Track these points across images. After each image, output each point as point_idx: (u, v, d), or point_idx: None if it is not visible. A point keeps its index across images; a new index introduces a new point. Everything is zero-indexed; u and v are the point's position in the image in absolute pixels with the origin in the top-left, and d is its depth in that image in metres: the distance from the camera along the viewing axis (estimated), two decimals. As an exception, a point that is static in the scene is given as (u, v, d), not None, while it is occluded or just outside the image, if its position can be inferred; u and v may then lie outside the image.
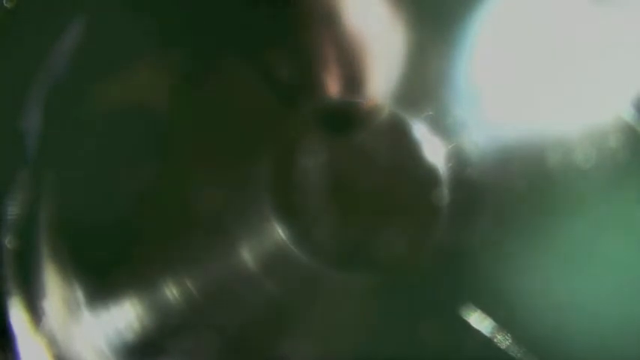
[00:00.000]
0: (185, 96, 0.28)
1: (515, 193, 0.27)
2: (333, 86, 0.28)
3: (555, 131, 0.26)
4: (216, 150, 0.28)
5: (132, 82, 0.28)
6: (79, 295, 0.27)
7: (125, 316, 0.27)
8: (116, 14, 0.27)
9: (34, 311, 0.27)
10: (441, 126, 0.27)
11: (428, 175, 0.27)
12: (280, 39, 0.28)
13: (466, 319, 0.26)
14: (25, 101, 0.27)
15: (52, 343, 0.27)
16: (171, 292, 0.27)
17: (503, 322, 0.26)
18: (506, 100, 0.27)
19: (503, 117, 0.27)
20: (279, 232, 0.27)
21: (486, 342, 0.26)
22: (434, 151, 0.27)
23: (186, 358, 0.27)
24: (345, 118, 0.28)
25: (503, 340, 0.26)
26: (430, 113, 0.27)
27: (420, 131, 0.27)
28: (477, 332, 0.26)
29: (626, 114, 0.26)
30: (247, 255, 0.27)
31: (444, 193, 0.27)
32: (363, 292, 0.27)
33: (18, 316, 0.26)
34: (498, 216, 0.27)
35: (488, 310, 0.26)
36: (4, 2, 0.26)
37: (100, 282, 0.27)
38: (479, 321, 0.26)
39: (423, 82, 0.27)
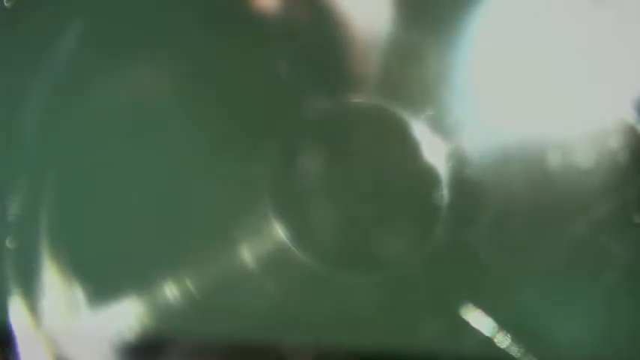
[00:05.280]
0: (185, 96, 0.28)
1: (515, 193, 0.27)
2: (333, 86, 0.28)
3: (555, 131, 0.26)
4: (216, 150, 0.28)
5: (131, 82, 0.28)
6: (79, 295, 0.27)
7: (125, 316, 0.27)
8: (115, 14, 0.27)
9: (34, 311, 0.27)
10: (441, 126, 0.27)
11: (428, 175, 0.27)
12: (280, 39, 0.28)
13: (466, 318, 0.26)
14: (25, 101, 0.27)
15: (52, 343, 0.27)
16: (171, 292, 0.27)
17: (503, 322, 0.26)
18: (506, 100, 0.27)
19: (503, 117, 0.27)
20: (279, 232, 0.27)
21: (486, 341, 0.26)
22: (434, 151, 0.27)
23: (187, 358, 0.27)
24: (345, 117, 0.28)
25: (503, 340, 0.26)
26: (430, 113, 0.27)
27: (420, 131, 0.27)
28: (477, 332, 0.26)
29: (627, 114, 0.26)
30: (247, 255, 0.27)
31: (444, 193, 0.27)
32: (363, 292, 0.27)
33: (18, 316, 0.26)
34: (498, 216, 0.27)
35: (489, 310, 0.26)
36: (5, 2, 0.26)
37: (100, 282, 0.27)
38: (479, 321, 0.26)
39: (423, 82, 0.27)
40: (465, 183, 0.27)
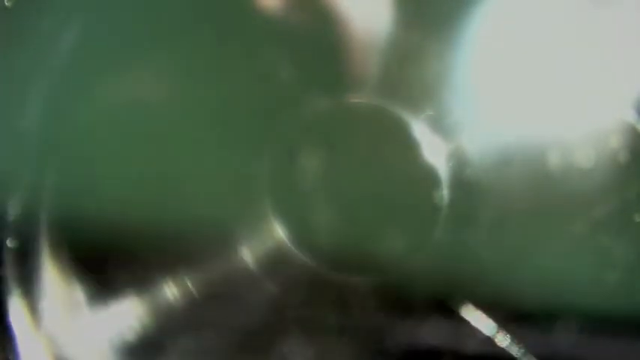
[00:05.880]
0: (185, 95, 0.28)
1: (515, 193, 0.27)
2: (333, 86, 0.28)
3: (555, 131, 0.26)
4: (215, 149, 0.28)
5: (131, 81, 0.28)
6: (79, 295, 0.27)
7: (125, 316, 0.27)
8: (115, 12, 0.27)
9: (34, 311, 0.27)
10: (441, 126, 0.27)
11: (428, 175, 0.27)
12: (280, 38, 0.28)
13: (466, 318, 0.26)
14: (25, 101, 0.27)
15: (52, 343, 0.27)
16: (171, 292, 0.27)
17: (503, 322, 0.26)
18: (506, 100, 0.27)
19: (503, 117, 0.27)
20: (279, 232, 0.27)
21: (486, 341, 0.26)
22: (434, 151, 0.27)
23: (186, 358, 0.27)
24: (345, 117, 0.28)
25: (503, 340, 0.26)
26: (430, 113, 0.27)
27: (420, 131, 0.27)
28: (477, 331, 0.26)
29: (627, 114, 0.26)
30: (247, 255, 0.27)
31: (444, 193, 0.27)
32: (363, 292, 0.27)
33: (18, 316, 0.26)
34: (498, 216, 0.27)
35: (488, 310, 0.26)
36: (5, 1, 0.26)
37: (100, 282, 0.27)
38: (479, 321, 0.26)
39: (423, 82, 0.27)
40: (465, 183, 0.27)
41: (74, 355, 0.27)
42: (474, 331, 0.26)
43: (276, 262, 0.27)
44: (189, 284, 0.27)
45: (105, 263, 0.27)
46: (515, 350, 0.26)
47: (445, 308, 0.26)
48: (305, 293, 0.28)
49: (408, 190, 0.27)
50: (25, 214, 0.27)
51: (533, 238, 0.27)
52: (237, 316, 0.28)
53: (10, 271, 0.26)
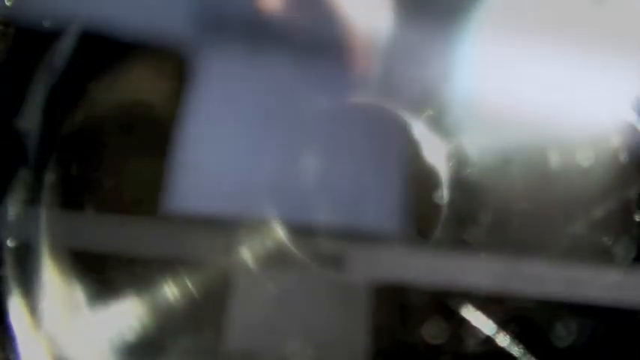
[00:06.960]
0: (185, 95, 0.28)
1: (515, 193, 0.27)
2: (333, 86, 0.28)
3: (555, 131, 0.26)
4: (215, 149, 0.28)
5: (131, 80, 0.28)
6: (79, 295, 0.27)
7: (125, 316, 0.27)
8: (115, 13, 0.27)
9: (34, 311, 0.27)
10: (441, 126, 0.27)
11: (428, 175, 0.27)
12: (281, 39, 0.28)
13: (466, 318, 0.26)
14: (25, 101, 0.27)
15: (52, 343, 0.27)
16: (171, 292, 0.27)
17: (503, 322, 0.26)
18: (506, 100, 0.27)
19: (503, 117, 0.27)
20: (279, 232, 0.28)
21: (486, 341, 0.26)
22: (434, 151, 0.27)
23: (186, 358, 0.27)
24: (345, 117, 0.28)
25: (503, 340, 0.26)
26: (430, 113, 0.27)
27: (420, 131, 0.27)
28: (477, 331, 0.26)
29: (627, 114, 0.26)
30: (247, 255, 0.27)
31: (444, 193, 0.27)
32: (363, 292, 0.27)
33: (18, 316, 0.26)
34: (498, 216, 0.27)
35: (488, 310, 0.26)
36: (5, 1, 0.26)
37: (100, 282, 0.27)
38: (479, 320, 0.26)
39: (423, 82, 0.27)
40: (465, 183, 0.27)
41: (74, 355, 0.27)
42: (474, 331, 0.26)
43: (276, 262, 0.27)
44: (189, 284, 0.27)
45: (105, 263, 0.27)
46: (515, 350, 0.26)
47: (445, 308, 0.26)
48: (305, 293, 0.28)
49: (408, 190, 0.27)
50: (25, 214, 0.27)
51: (533, 238, 0.27)
52: (237, 315, 0.28)
53: (10, 271, 0.26)
